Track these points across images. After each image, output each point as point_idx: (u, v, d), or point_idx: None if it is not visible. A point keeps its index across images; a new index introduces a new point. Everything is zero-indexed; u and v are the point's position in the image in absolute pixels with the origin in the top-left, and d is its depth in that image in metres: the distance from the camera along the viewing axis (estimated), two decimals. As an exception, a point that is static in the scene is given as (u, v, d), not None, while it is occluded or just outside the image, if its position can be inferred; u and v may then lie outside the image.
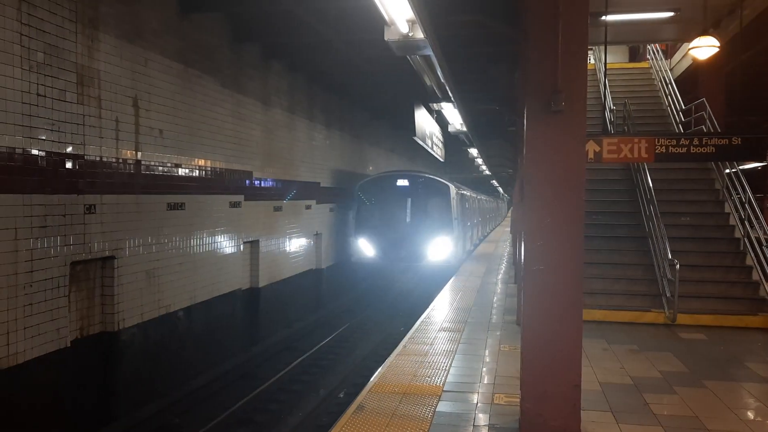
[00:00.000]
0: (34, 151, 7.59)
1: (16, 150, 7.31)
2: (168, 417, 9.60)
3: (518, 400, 5.63)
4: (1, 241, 7.11)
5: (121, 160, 9.25)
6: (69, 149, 8.20)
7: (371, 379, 7.13)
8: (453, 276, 16.90)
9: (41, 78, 7.69)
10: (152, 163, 10.01)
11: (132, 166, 9.51)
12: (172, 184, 10.55)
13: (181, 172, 10.83)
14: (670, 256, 10.32)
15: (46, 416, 7.90)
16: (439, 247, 18.88)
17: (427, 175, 19.86)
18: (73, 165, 8.28)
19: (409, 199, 19.35)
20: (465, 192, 23.87)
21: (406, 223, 19.26)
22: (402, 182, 19.44)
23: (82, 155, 8.44)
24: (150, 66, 9.93)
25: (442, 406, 6.24)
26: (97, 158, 8.75)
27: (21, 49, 7.37)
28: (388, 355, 8.52)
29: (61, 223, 8.03)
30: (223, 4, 11.47)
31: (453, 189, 19.60)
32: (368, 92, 19.60)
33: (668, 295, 10.45)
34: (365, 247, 19.27)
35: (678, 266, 9.79)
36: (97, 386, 9.01)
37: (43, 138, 7.73)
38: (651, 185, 12.30)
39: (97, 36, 8.71)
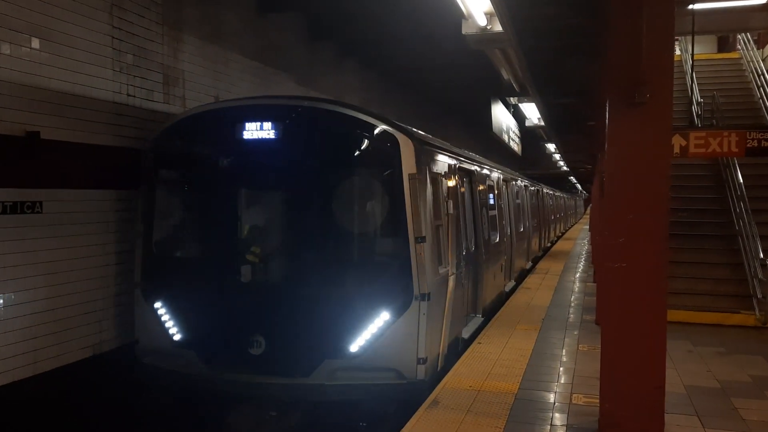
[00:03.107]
0: (125, 149, 7.95)
1: (108, 148, 7.67)
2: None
3: (597, 400, 5.49)
4: (95, 234, 7.49)
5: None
6: (156, 146, 8.53)
7: (446, 376, 7.11)
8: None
9: (130, 78, 8.05)
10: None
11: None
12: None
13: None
14: (761, 255, 9.81)
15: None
16: (370, 333, 6.56)
17: (328, 108, 7.35)
18: (160, 162, 8.61)
19: (281, 185, 7.28)
20: (474, 167, 10.49)
21: (272, 258, 7.18)
22: (256, 130, 6.88)
23: (167, 152, 8.75)
24: (230, 66, 10.23)
25: (518, 405, 6.16)
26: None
27: (112, 51, 7.73)
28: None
29: (148, 218, 8.34)
30: (300, 3, 11.67)
31: (410, 145, 6.77)
32: (441, 87, 19.48)
33: (759, 296, 9.94)
34: (162, 330, 7.09)
35: (771, 266, 9.30)
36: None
37: (132, 136, 8.08)
38: (741, 181, 11.72)
39: (181, 37, 9.04)
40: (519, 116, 19.98)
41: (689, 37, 11.25)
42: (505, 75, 13.74)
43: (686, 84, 16.07)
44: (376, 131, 6.84)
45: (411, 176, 6.63)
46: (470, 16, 7.54)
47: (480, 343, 8.62)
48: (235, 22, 10.38)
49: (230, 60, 10.22)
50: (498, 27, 7.59)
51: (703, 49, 20.92)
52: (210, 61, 9.71)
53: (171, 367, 6.97)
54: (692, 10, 9.64)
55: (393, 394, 6.67)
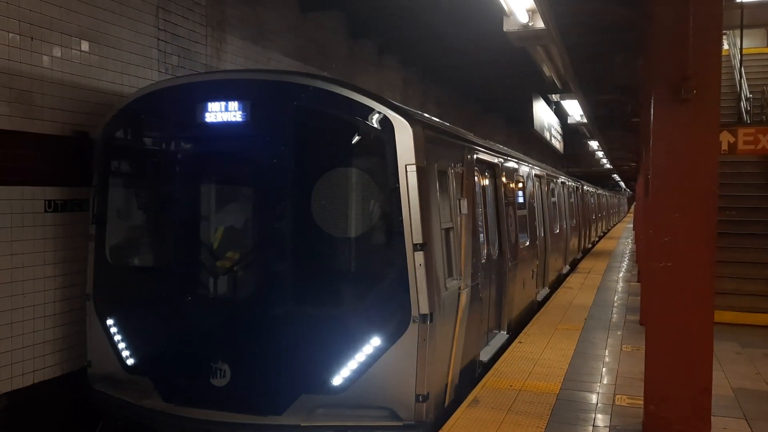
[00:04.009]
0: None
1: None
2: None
3: (641, 402, 5.40)
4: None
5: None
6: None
7: (486, 375, 7.07)
8: None
9: (175, 79, 8.22)
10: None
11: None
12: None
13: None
14: (814, 255, 9.51)
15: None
16: (357, 362, 5.37)
17: (303, 83, 5.81)
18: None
19: (249, 181, 6.26)
20: (498, 159, 9.02)
21: (236, 271, 5.97)
22: (219, 112, 5.78)
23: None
24: (271, 65, 10.35)
25: (560, 405, 6.09)
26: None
27: (158, 52, 7.91)
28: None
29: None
30: (340, 2, 11.73)
31: (409, 130, 5.39)
32: (482, 85, 19.38)
33: (812, 297, 9.64)
34: (115, 352, 6.11)
35: (824, 266, 9.00)
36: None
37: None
38: (792, 178, 11.36)
39: (224, 38, 9.19)
40: (561, 113, 19.74)
41: (738, 31, 10.97)
42: (547, 72, 13.59)
43: (734, 79, 15.64)
44: (365, 112, 5.48)
45: (409, 168, 5.36)
46: (512, 13, 7.48)
47: (521, 342, 8.55)
48: (276, 22, 10.50)
49: (272, 60, 10.34)
50: (540, 23, 7.51)
51: (752, 43, 20.32)
52: (252, 61, 9.84)
53: (124, 396, 5.96)
54: (741, 3, 9.39)
55: None
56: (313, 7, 11.36)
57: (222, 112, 5.73)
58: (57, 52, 6.49)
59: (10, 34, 6.01)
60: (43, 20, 6.33)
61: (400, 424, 5.30)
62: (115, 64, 7.20)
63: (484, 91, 20.61)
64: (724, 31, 16.21)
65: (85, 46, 6.81)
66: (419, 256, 5.30)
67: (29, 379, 6.30)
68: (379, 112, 5.46)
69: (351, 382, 5.33)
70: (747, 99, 14.41)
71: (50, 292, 6.46)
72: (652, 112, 5.23)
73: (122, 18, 7.30)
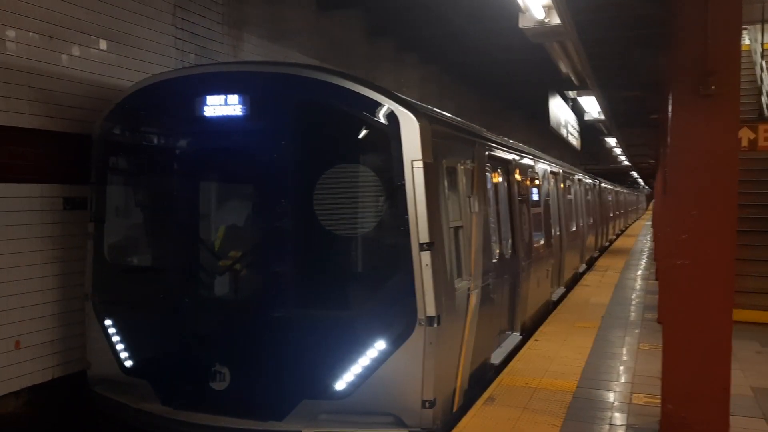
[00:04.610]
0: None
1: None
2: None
3: (659, 400, 5.37)
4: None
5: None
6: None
7: (501, 373, 7.06)
8: None
9: (193, 77, 8.26)
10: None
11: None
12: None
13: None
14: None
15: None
16: (360, 367, 5.20)
17: (303, 75, 5.68)
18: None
19: (251, 178, 5.97)
20: (512, 156, 8.94)
21: (236, 271, 5.92)
22: (218, 105, 5.57)
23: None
24: (289, 63, 10.38)
25: (576, 403, 6.07)
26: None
27: (176, 51, 7.97)
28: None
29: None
30: (359, 0, 11.73)
31: (415, 124, 5.14)
32: (501, 82, 19.28)
33: (835, 296, 9.49)
34: (114, 353, 5.99)
35: None
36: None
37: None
38: (816, 175, 11.19)
39: (241, 36, 9.24)
40: (578, 110, 19.62)
41: (759, 26, 10.84)
42: (563, 68, 13.50)
43: (755, 74, 15.44)
44: (369, 105, 5.24)
45: (415, 164, 5.09)
46: (527, 9, 7.42)
47: (537, 340, 8.52)
48: (294, 20, 10.52)
49: (290, 58, 10.36)
50: (556, 20, 7.45)
51: (775, 38, 20.02)
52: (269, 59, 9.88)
53: (123, 399, 5.80)
54: (762, -3, 9.29)
55: None
56: (332, 6, 11.38)
57: (221, 105, 5.54)
58: (77, 51, 6.57)
59: (31, 33, 6.09)
60: (64, 20, 6.40)
61: (406, 431, 5.15)
62: (133, 62, 7.26)
63: (503, 88, 20.50)
64: (745, 27, 16.01)
65: (104, 45, 6.88)
66: (426, 256, 5.07)
67: (48, 375, 6.38)
68: (384, 105, 5.22)
69: (355, 387, 5.17)
70: (768, 94, 14.21)
71: (68, 289, 6.52)
72: (670, 108, 5.18)
73: (141, 17, 7.37)
